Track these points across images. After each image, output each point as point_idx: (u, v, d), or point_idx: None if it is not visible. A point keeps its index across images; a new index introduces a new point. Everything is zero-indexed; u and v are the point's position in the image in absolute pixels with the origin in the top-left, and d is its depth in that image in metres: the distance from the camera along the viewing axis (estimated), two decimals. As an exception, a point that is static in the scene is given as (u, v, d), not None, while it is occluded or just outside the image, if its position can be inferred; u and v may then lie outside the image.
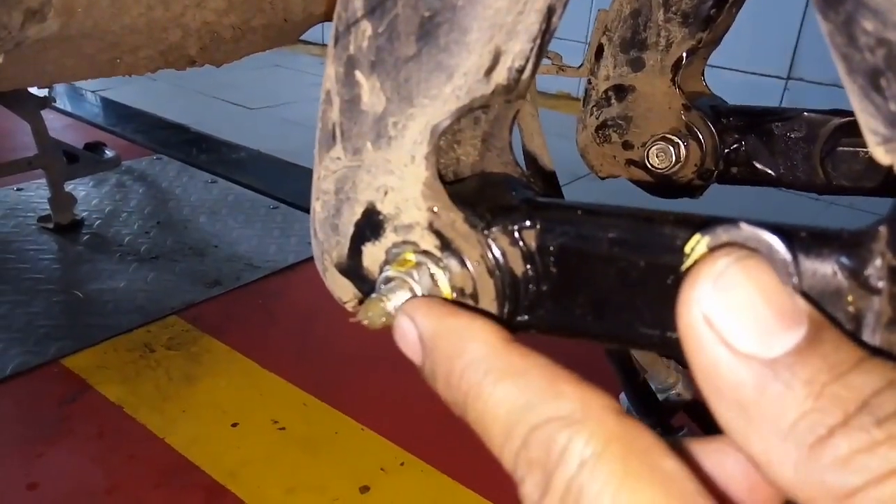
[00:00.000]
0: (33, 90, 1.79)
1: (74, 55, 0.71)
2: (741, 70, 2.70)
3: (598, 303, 0.34)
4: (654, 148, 0.60)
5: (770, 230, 0.29)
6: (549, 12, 0.34)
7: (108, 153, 2.05)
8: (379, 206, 0.38)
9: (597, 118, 0.64)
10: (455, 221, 0.35)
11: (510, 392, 0.23)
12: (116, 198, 2.04)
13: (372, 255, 0.39)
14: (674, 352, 0.34)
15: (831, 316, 0.27)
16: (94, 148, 2.06)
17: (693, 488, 0.19)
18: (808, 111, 0.57)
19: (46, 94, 1.81)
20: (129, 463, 1.14)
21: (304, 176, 2.30)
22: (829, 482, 0.17)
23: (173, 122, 2.72)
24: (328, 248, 0.41)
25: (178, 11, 0.73)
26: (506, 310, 0.35)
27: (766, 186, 0.60)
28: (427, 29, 0.33)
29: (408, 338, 0.29)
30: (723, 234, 0.27)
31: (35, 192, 2.00)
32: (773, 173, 0.59)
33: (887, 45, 0.23)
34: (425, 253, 0.36)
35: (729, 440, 0.20)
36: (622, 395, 0.81)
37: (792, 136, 0.57)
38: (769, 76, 2.75)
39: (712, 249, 0.27)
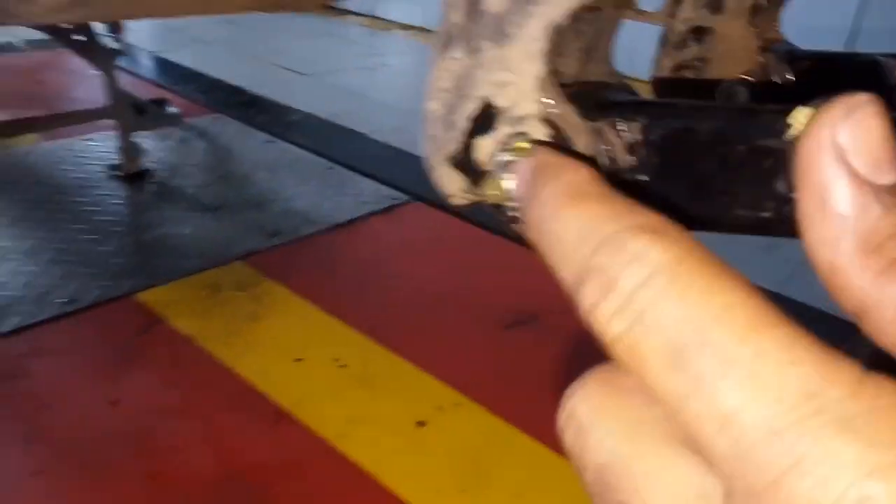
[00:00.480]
0: (107, 41, 1.87)
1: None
2: (802, 26, 2.67)
3: (697, 189, 0.39)
4: (727, 89, 0.65)
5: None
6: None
7: (172, 109, 2.14)
8: (495, 101, 0.43)
9: (673, 60, 0.68)
10: (566, 113, 0.40)
11: (592, 207, 0.22)
12: (180, 152, 2.12)
13: (485, 147, 0.44)
14: (765, 231, 0.38)
15: None
16: (159, 103, 2.14)
17: (776, 309, 0.20)
18: (882, 55, 0.61)
19: (119, 46, 1.89)
20: (200, 388, 1.22)
21: (356, 139, 2.36)
22: None
23: (231, 84, 2.80)
24: (442, 143, 0.46)
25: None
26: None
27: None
28: None
29: (521, 172, 0.28)
30: (828, 100, 0.32)
31: (103, 143, 2.08)
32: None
33: None
34: (538, 142, 0.41)
35: None
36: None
37: (864, 78, 0.61)
38: (832, 32, 2.73)
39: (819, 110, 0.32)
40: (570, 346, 1.29)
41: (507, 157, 0.43)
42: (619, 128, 0.41)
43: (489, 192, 0.41)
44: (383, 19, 4.06)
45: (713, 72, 0.69)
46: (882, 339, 0.21)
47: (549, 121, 0.42)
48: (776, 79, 0.66)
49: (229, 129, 2.33)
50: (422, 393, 1.24)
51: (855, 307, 0.21)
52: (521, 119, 0.43)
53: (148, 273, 1.51)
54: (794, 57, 0.67)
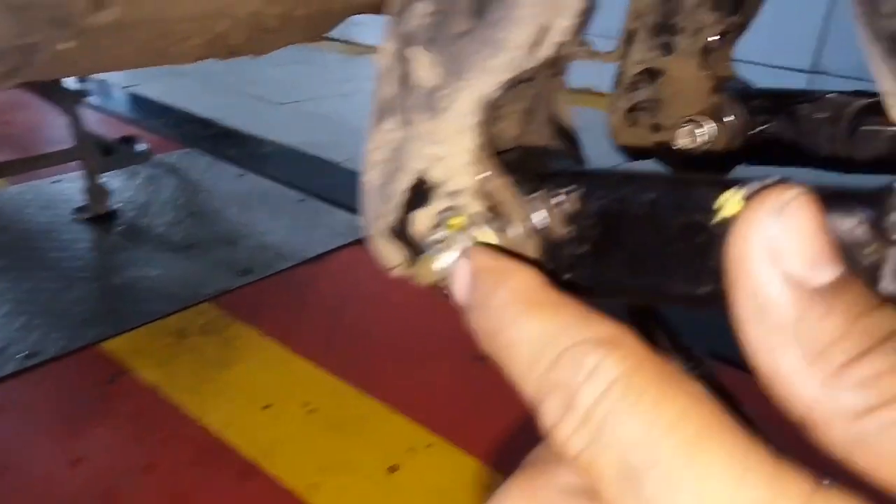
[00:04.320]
0: (69, 84, 1.84)
1: (128, 43, 0.75)
2: (762, 63, 2.69)
3: (633, 263, 0.37)
4: (683, 129, 0.63)
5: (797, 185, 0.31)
6: (594, -12, 0.37)
7: (141, 146, 2.11)
8: (429, 174, 0.40)
9: (627, 101, 0.66)
10: (501, 187, 0.38)
11: (544, 318, 0.23)
12: (149, 190, 2.09)
13: (421, 220, 0.42)
14: (700, 305, 0.36)
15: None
16: (127, 141, 2.11)
17: (727, 416, 0.20)
18: (833, 93, 0.59)
19: (82, 88, 1.87)
20: (165, 442, 1.18)
21: (329, 170, 2.33)
22: (850, 401, 0.19)
23: (202, 117, 2.77)
24: (379, 215, 0.44)
25: (229, 1, 0.76)
26: (549, 270, 0.38)
27: (792, 167, 0.62)
28: (479, 6, 0.36)
29: (459, 276, 0.30)
30: (758, 185, 0.29)
31: (71, 185, 2.05)
32: (798, 153, 0.61)
33: None
34: (472, 217, 0.39)
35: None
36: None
37: (817, 116, 0.59)
38: (790, 69, 2.74)
39: (748, 199, 0.29)
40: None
41: (441, 233, 0.40)
42: (555, 199, 0.39)
43: (422, 272, 0.38)
44: (360, 44, 4.05)
45: (666, 113, 0.67)
46: (833, 450, 0.20)
47: (483, 194, 0.40)
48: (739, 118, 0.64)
49: (200, 164, 2.30)
50: (393, 435, 1.21)
51: (802, 417, 0.20)
52: (455, 193, 0.41)
53: (114, 320, 1.47)
54: (747, 95, 0.65)
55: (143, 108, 2.90)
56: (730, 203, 0.32)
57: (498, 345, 0.24)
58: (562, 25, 0.37)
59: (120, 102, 2.97)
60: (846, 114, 0.61)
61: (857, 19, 0.28)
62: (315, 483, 1.11)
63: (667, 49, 0.65)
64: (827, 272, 0.21)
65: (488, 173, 0.39)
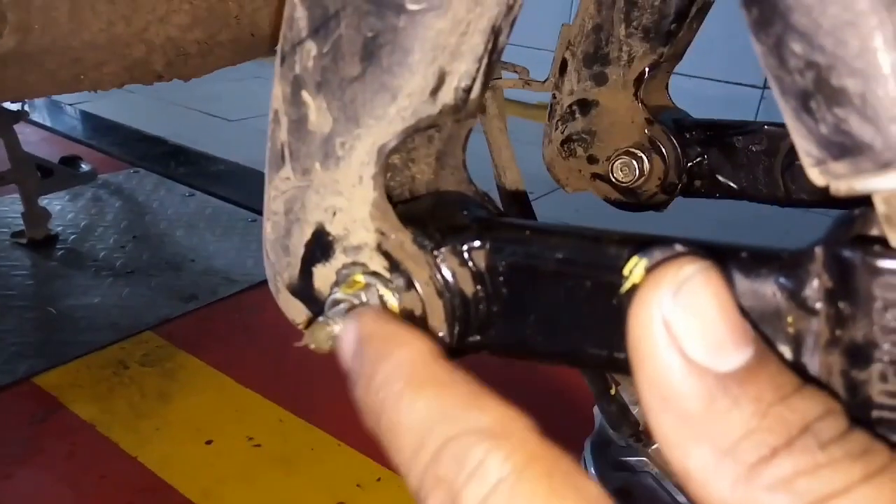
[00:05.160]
0: (6, 104, 1.77)
1: (36, 71, 0.70)
2: (717, 80, 2.72)
3: (547, 323, 0.34)
4: (617, 162, 0.60)
5: (706, 251, 0.28)
6: (495, 32, 0.34)
7: (84, 167, 2.04)
8: (328, 227, 0.37)
9: (562, 132, 0.64)
10: (403, 242, 0.35)
11: (429, 401, 0.21)
12: (92, 212, 2.02)
13: (323, 276, 0.38)
14: (620, 370, 0.33)
15: (769, 339, 0.27)
16: (70, 162, 2.04)
17: None
18: (770, 124, 0.57)
19: (20, 108, 1.80)
20: (100, 483, 1.12)
21: (283, 188, 2.28)
22: (767, 503, 0.17)
23: (151, 135, 2.70)
24: (279, 269, 0.41)
25: (141, 27, 0.72)
26: (456, 330, 0.35)
27: (729, 199, 0.60)
28: (370, 50, 0.33)
29: (344, 342, 0.27)
30: (659, 255, 0.27)
31: (9, 207, 1.97)
32: (735, 186, 0.59)
33: (815, 67, 0.23)
34: (374, 274, 0.35)
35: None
36: (595, 408, 0.80)
37: (754, 148, 0.57)
38: (745, 85, 2.77)
39: (650, 270, 0.27)
40: (513, 388, 1.24)
41: (340, 293, 0.37)
42: (463, 256, 0.36)
43: (316, 338, 0.35)
44: (315, 58, 4.00)
45: (601, 145, 0.65)
46: None
47: (384, 252, 0.36)
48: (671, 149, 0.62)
49: (147, 184, 2.24)
50: (341, 469, 1.17)
51: None
52: (356, 248, 0.37)
53: (49, 352, 1.41)
54: (682, 126, 0.63)
55: (92, 125, 2.82)
56: (636, 271, 0.29)
57: (381, 427, 0.23)
58: (461, 70, 0.34)
59: (68, 121, 2.88)
60: (782, 147, 0.59)
61: (766, 71, 0.25)
62: (257, 523, 1.06)
63: (600, 80, 0.63)
64: (734, 357, 0.19)
65: (389, 228, 0.36)
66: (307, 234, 0.38)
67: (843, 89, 0.24)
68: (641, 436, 0.82)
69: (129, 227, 1.95)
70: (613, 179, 0.61)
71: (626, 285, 0.29)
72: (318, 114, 0.35)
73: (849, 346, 0.25)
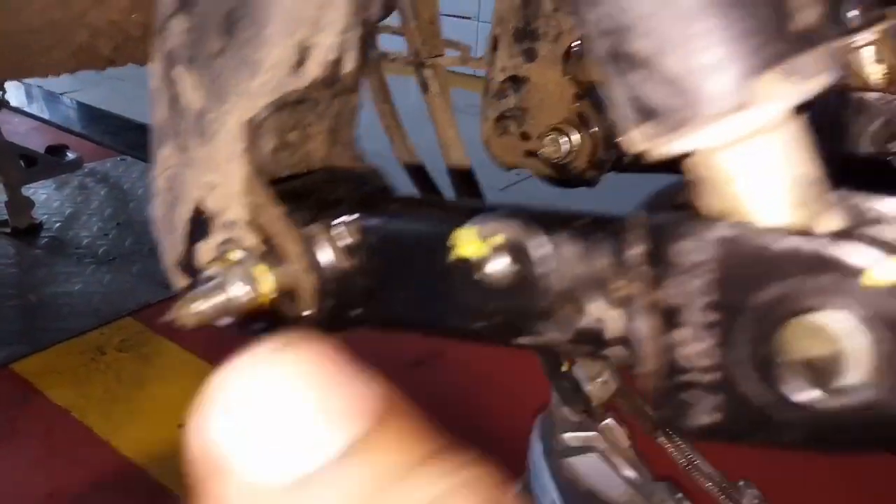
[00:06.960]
0: (-13, 93, 1.78)
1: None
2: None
3: (414, 296, 0.34)
4: (547, 138, 0.60)
5: (541, 218, 0.28)
6: (363, 5, 0.34)
7: (70, 155, 2.04)
8: (206, 203, 0.37)
9: (495, 109, 0.64)
10: (276, 218, 0.35)
11: None
12: (77, 200, 2.03)
13: (204, 252, 0.38)
14: (488, 342, 0.33)
15: (556, 360, 0.27)
16: (56, 151, 2.04)
17: None
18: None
19: (1, 96, 1.80)
20: (72, 466, 1.13)
21: (269, 174, 2.29)
22: None
23: (141, 123, 2.70)
24: (168, 246, 0.41)
25: (79, 11, 0.72)
26: (331, 305, 0.35)
27: (657, 174, 0.59)
28: (229, 23, 0.33)
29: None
30: (479, 221, 0.27)
31: (-6, 197, 1.98)
32: (667, 161, 0.59)
33: (609, 35, 0.24)
34: (247, 250, 0.36)
35: None
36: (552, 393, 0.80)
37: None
38: None
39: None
40: (475, 384, 1.24)
41: (211, 270, 0.37)
42: (334, 231, 0.36)
43: (182, 314, 0.35)
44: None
45: (533, 121, 0.65)
46: None
47: (257, 227, 0.36)
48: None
49: (133, 172, 2.24)
50: (314, 452, 1.17)
51: None
52: (231, 224, 0.37)
53: (29, 339, 1.42)
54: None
55: (82, 114, 2.83)
56: (461, 239, 0.29)
57: None
58: (326, 43, 0.34)
59: (54, 110, 2.89)
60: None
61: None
62: (226, 505, 1.07)
63: (530, 55, 0.62)
64: (312, 458, 0.16)
65: (261, 203, 0.36)
66: (188, 210, 0.38)
67: (635, 54, 0.23)
68: (593, 411, 0.82)
69: (113, 214, 1.96)
70: (544, 156, 0.60)
71: (451, 256, 0.29)
72: (190, 90, 0.35)
73: (664, 311, 0.25)
